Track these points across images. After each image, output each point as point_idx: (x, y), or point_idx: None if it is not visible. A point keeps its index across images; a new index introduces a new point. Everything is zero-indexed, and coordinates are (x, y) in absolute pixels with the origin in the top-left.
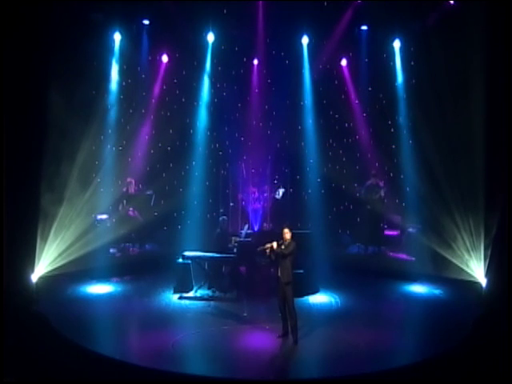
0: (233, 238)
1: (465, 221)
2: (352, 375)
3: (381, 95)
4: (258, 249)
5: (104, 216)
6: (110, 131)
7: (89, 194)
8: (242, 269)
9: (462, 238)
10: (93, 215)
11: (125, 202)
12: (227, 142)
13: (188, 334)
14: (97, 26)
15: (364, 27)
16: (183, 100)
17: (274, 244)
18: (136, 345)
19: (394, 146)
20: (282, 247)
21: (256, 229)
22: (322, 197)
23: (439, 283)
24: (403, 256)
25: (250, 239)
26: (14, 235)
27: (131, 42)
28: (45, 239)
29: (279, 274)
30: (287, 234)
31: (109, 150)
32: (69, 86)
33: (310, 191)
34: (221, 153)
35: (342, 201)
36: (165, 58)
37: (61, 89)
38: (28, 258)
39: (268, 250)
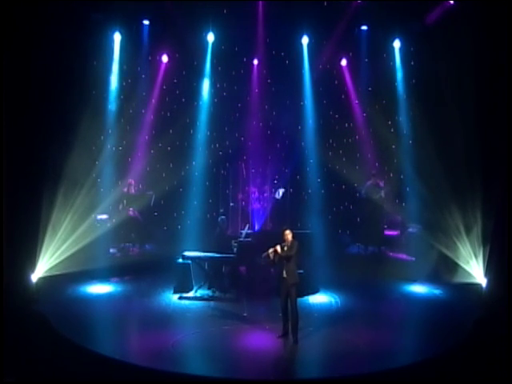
0: (233, 241)
1: (464, 220)
2: (352, 375)
3: (381, 95)
4: (262, 255)
5: (104, 216)
6: (110, 131)
7: (89, 194)
8: (242, 269)
9: (462, 238)
10: (93, 215)
11: (125, 202)
12: (227, 142)
13: (188, 334)
14: (97, 25)
15: (364, 27)
16: (183, 100)
17: (278, 248)
18: (136, 345)
19: (393, 146)
20: (285, 249)
21: (256, 229)
22: (322, 197)
23: (439, 283)
24: (403, 256)
25: (250, 239)
26: (14, 235)
27: (131, 41)
28: (45, 239)
29: (285, 276)
30: (289, 235)
31: (109, 149)
32: (69, 86)
33: (310, 191)
34: (221, 153)
35: (342, 201)
36: (165, 58)
37: (61, 89)
38: (28, 258)
39: (272, 255)
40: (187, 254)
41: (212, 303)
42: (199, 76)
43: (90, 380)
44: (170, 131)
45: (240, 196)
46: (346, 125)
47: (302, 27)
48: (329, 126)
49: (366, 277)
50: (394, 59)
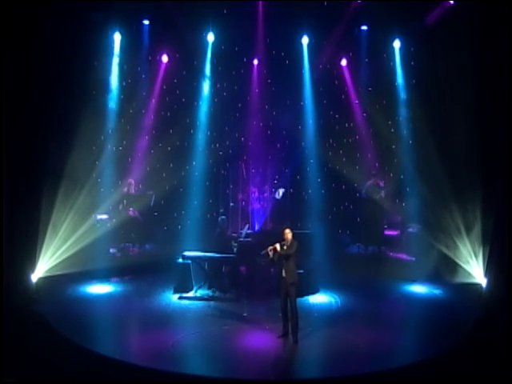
0: (233, 241)
1: (464, 220)
2: (352, 375)
3: (381, 95)
4: (262, 252)
5: (104, 216)
6: (110, 131)
7: (89, 194)
8: (242, 269)
9: (462, 238)
10: (93, 215)
11: (125, 202)
12: (227, 142)
13: (188, 334)
14: (97, 25)
15: (364, 27)
16: (183, 100)
17: (277, 246)
18: (136, 345)
19: (394, 146)
20: (284, 248)
21: (256, 229)
22: (322, 197)
23: (439, 283)
24: (403, 256)
25: (249, 239)
26: (14, 235)
27: (131, 41)
28: (45, 239)
29: (284, 275)
30: (289, 234)
31: (109, 150)
32: (69, 86)
33: (310, 191)
34: (221, 153)
35: (342, 201)
36: (165, 58)
37: (61, 89)
38: (28, 258)
39: (271, 253)
40: (187, 253)
41: (212, 303)
42: (199, 76)
43: (90, 380)
44: (170, 131)
45: (240, 196)
46: (346, 125)
47: (302, 27)
48: (329, 125)
49: (366, 277)
50: (394, 59)
